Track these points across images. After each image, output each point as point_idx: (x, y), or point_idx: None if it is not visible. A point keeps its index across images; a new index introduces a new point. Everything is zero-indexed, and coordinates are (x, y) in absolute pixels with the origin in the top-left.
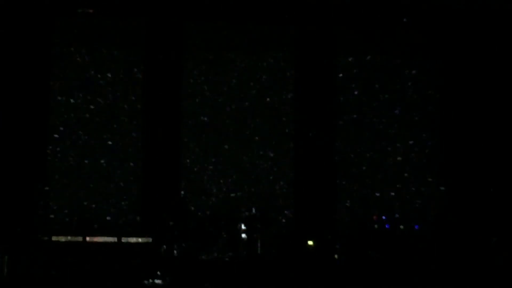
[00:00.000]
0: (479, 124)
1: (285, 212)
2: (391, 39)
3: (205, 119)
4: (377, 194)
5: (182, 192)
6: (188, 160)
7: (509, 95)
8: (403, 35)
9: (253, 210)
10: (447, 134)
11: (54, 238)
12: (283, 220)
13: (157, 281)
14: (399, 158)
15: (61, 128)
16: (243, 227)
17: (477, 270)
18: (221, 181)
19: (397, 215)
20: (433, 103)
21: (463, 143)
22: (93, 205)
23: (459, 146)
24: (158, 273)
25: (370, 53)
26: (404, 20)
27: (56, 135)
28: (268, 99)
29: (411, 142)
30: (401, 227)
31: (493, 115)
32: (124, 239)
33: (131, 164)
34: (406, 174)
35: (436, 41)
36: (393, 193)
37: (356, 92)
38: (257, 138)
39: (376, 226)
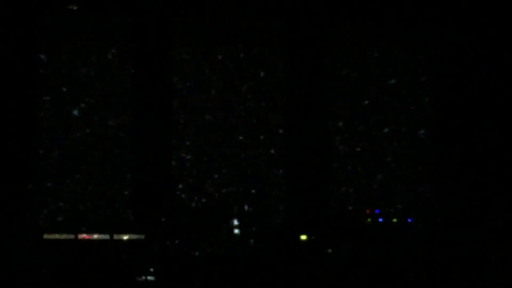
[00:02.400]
0: (473, 118)
1: (278, 207)
2: (384, 33)
3: (196, 114)
4: (370, 188)
5: (177, 187)
6: (180, 155)
7: (501, 90)
8: (397, 29)
9: (246, 206)
10: (439, 128)
11: (45, 236)
12: (276, 215)
13: (150, 278)
14: (392, 152)
15: (51, 126)
16: (235, 222)
17: (470, 264)
18: (213, 176)
19: (391, 209)
20: (425, 99)
21: (455, 137)
22: (85, 203)
23: (451, 140)
24: (151, 270)
25: (362, 48)
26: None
27: (46, 133)
28: (259, 95)
29: (403, 136)
30: (394, 220)
31: (486, 108)
32: (116, 236)
33: (123, 161)
34: (399, 168)
35: (427, 35)
36: (386, 187)
37: (348, 87)
38: (248, 133)
39: (369, 219)
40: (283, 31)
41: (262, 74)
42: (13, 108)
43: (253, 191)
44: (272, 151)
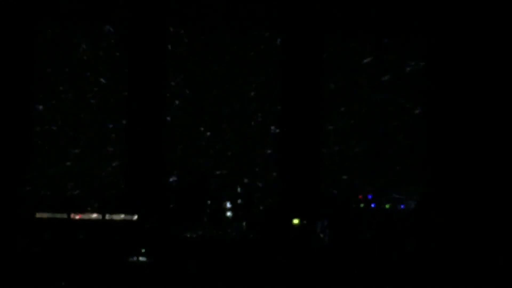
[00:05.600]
0: (467, 107)
1: (270, 190)
2: (378, 19)
3: (190, 97)
4: (364, 173)
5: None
6: (173, 137)
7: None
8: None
9: (238, 189)
10: (433, 115)
11: (37, 215)
12: (268, 199)
13: (142, 259)
14: (385, 137)
15: (45, 105)
16: (228, 205)
17: (460, 251)
18: (207, 158)
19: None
20: (421, 86)
21: (449, 125)
22: (77, 182)
23: (445, 128)
24: (143, 250)
25: (358, 34)
26: None
27: (39, 111)
28: (254, 80)
29: (396, 122)
30: (387, 206)
31: (482, 94)
32: (108, 216)
33: (116, 141)
34: (392, 154)
35: (423, 20)
36: (378, 172)
37: (342, 74)
38: (242, 117)
39: (361, 205)
40: (279, 16)
41: (256, 57)
42: (6, 85)
43: (246, 174)
44: (265, 135)
